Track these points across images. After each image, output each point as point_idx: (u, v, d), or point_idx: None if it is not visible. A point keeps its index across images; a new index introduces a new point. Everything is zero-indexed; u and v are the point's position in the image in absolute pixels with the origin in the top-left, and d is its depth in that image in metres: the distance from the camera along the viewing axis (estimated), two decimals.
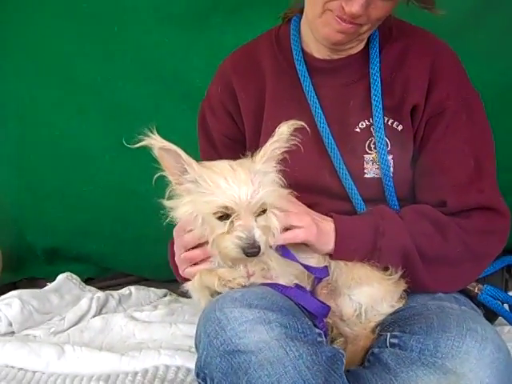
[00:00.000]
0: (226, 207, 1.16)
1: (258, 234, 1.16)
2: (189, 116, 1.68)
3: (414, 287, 1.36)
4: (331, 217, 1.35)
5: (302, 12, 1.48)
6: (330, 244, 1.31)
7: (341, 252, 1.32)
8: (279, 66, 1.51)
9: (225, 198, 1.16)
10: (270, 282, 1.26)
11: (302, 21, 1.50)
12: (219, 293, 1.20)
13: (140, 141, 1.15)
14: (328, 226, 1.33)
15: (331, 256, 1.33)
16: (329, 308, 1.29)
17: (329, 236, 1.32)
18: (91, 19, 2.26)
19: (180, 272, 1.34)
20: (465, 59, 1.48)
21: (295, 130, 1.22)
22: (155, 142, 1.16)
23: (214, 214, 1.17)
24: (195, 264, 1.29)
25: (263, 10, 1.90)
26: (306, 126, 1.24)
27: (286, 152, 1.23)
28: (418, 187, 1.45)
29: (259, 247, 1.16)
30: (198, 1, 2.22)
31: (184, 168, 1.20)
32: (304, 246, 1.31)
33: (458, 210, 1.39)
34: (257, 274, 1.26)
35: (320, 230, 1.30)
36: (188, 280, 1.32)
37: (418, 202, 1.44)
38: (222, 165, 1.22)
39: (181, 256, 1.31)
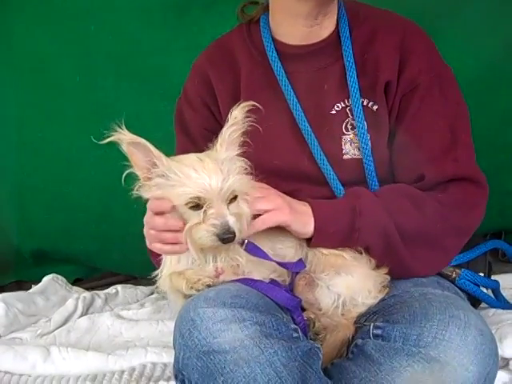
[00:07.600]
0: (198, 197, 1.17)
1: (232, 220, 1.18)
2: (170, 112, 1.68)
3: (396, 271, 1.35)
4: (306, 202, 1.34)
5: (267, 10, 1.52)
6: (309, 224, 1.30)
7: (320, 236, 1.31)
8: (253, 58, 1.53)
9: (196, 188, 1.17)
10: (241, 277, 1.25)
11: (270, 14, 1.51)
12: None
13: (109, 136, 1.15)
14: (304, 207, 1.32)
15: (310, 243, 1.32)
16: (299, 300, 1.27)
17: (307, 216, 1.30)
18: (68, 18, 2.25)
19: (147, 245, 1.34)
20: (444, 45, 1.50)
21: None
22: (124, 136, 1.16)
23: (187, 204, 1.18)
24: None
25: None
26: (258, 105, 1.25)
27: (245, 134, 1.25)
28: (396, 165, 1.45)
29: (234, 233, 1.18)
30: None
31: (153, 162, 1.20)
32: (281, 234, 1.30)
33: (436, 183, 1.38)
34: (227, 272, 1.26)
35: (295, 210, 1.29)
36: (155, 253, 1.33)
37: (397, 182, 1.43)
38: (190, 157, 1.23)
39: (149, 231, 1.30)
